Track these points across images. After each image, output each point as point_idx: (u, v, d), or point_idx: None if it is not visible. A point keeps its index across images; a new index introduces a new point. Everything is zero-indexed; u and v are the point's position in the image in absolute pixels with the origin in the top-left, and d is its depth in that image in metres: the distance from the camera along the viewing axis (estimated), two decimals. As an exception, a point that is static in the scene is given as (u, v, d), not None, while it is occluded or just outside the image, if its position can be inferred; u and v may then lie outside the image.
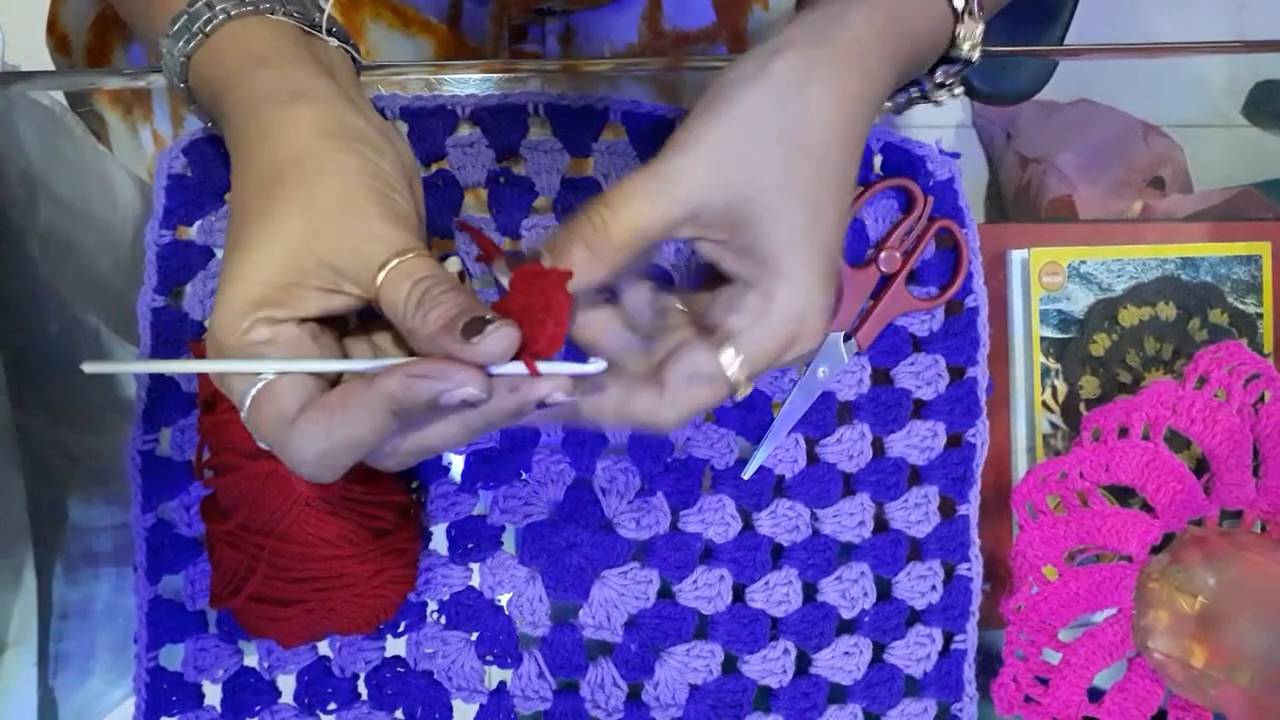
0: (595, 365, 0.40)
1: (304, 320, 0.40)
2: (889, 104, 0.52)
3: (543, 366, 0.38)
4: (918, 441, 0.60)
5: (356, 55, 0.50)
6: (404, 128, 0.58)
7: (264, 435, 0.39)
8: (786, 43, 0.43)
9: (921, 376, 0.60)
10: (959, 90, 0.50)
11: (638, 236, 0.42)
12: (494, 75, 0.60)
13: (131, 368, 0.40)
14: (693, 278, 0.47)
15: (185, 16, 0.45)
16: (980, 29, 0.47)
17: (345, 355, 0.42)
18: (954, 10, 0.46)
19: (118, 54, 0.76)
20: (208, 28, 0.45)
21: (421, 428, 0.40)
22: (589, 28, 0.73)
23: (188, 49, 0.45)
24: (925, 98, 0.51)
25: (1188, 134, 0.80)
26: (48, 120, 0.67)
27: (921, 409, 0.61)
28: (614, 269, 0.42)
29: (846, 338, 0.59)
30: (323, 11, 0.48)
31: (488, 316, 0.37)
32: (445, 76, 0.60)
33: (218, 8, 0.45)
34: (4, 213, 0.61)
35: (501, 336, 0.37)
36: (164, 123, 0.69)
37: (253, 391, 0.39)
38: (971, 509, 0.61)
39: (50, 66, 0.77)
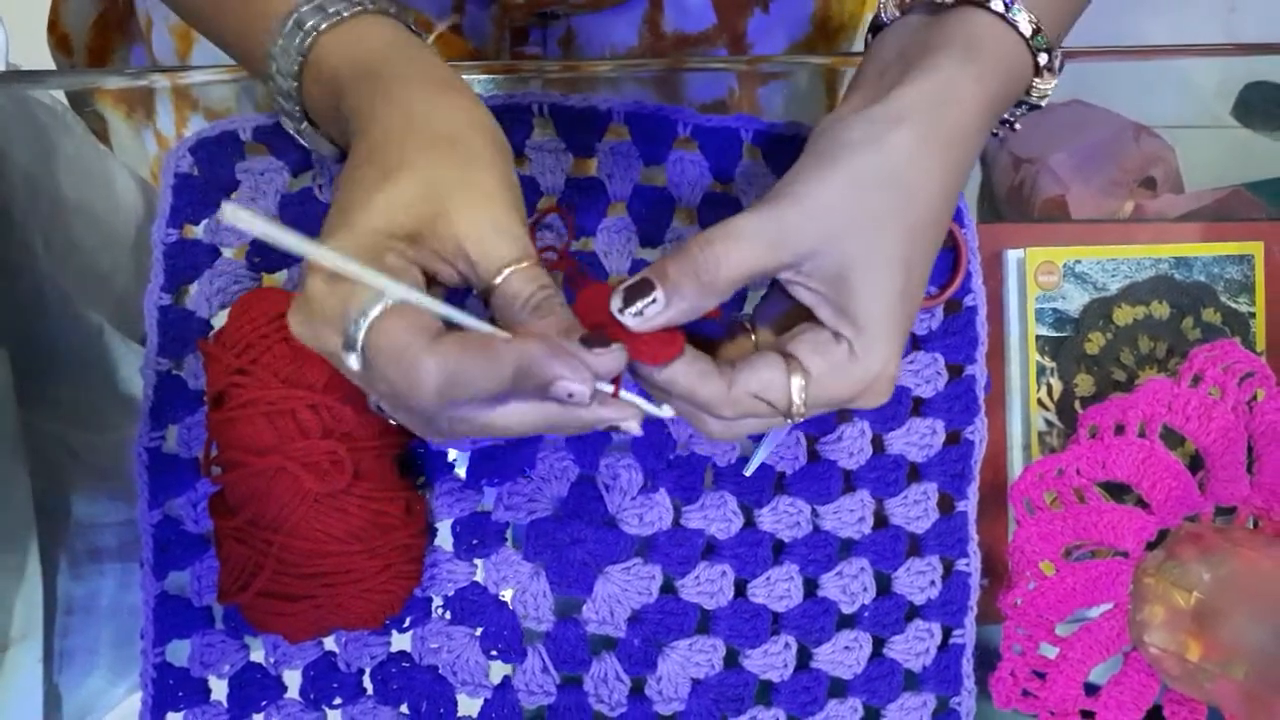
0: (666, 410, 0.44)
1: (425, 274, 0.42)
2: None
3: (623, 395, 0.41)
4: (917, 439, 0.61)
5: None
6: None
7: (381, 360, 0.39)
8: (906, 113, 0.44)
9: (921, 375, 0.61)
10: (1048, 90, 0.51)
11: (746, 276, 0.44)
12: (495, 77, 0.60)
13: (268, 228, 0.38)
14: (770, 305, 0.48)
15: (296, 15, 0.46)
16: (1055, 83, 0.48)
17: None
18: (1036, 65, 0.47)
19: (119, 54, 0.76)
20: (322, 25, 0.46)
21: (506, 403, 0.42)
22: (590, 31, 0.73)
23: (304, 46, 0.46)
24: (1021, 114, 0.52)
25: (1179, 135, 0.81)
26: (50, 120, 0.67)
27: (921, 406, 0.61)
28: (719, 301, 0.44)
29: None
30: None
31: (599, 334, 0.40)
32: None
33: (331, 9, 0.46)
34: (7, 211, 0.62)
35: (617, 356, 0.40)
36: (167, 123, 0.69)
37: (378, 308, 0.38)
38: (970, 505, 0.61)
39: (52, 66, 0.77)
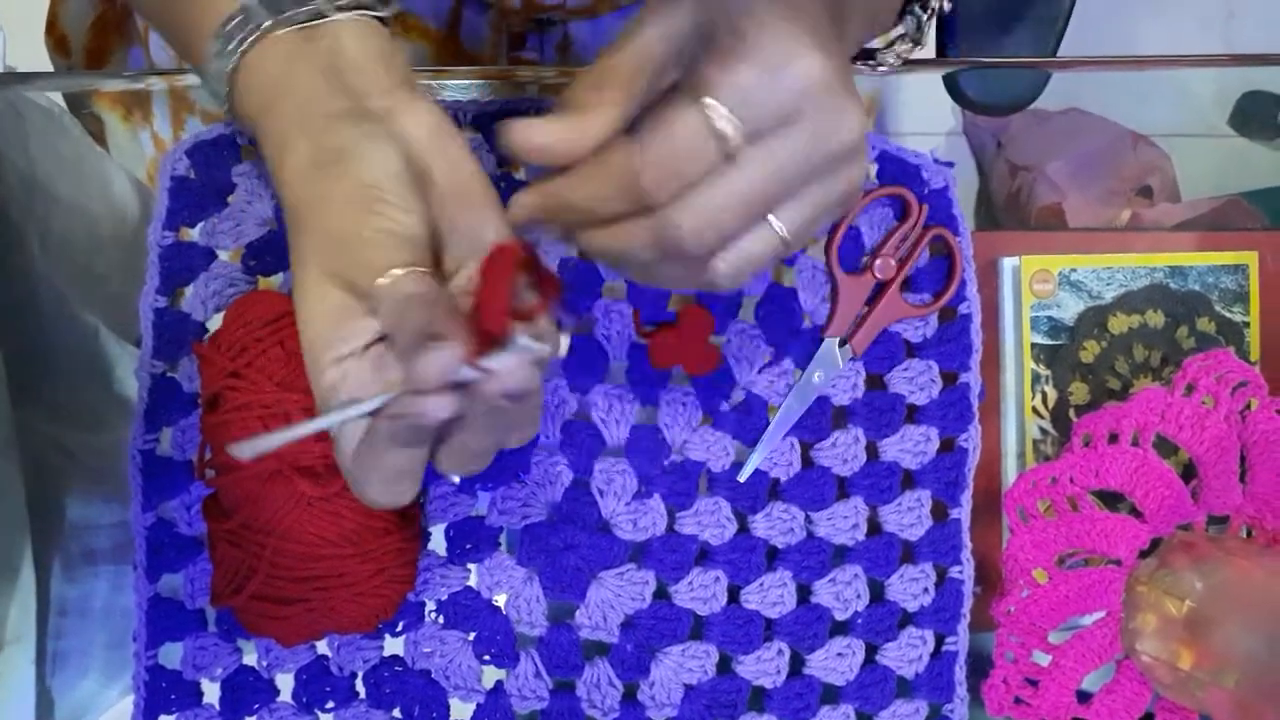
0: (559, 344, 0.39)
1: (369, 346, 0.41)
2: (880, 66, 0.51)
3: (489, 360, 0.37)
4: (911, 446, 0.61)
5: (381, 13, 0.47)
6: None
7: (348, 480, 0.42)
8: None
9: (915, 382, 0.61)
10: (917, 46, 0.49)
11: (641, 57, 0.39)
12: (491, 82, 0.61)
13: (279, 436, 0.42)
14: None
15: (220, 37, 0.45)
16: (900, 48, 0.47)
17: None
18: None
19: (117, 55, 0.76)
20: (243, 46, 0.45)
21: (448, 438, 0.41)
22: (587, 37, 0.73)
23: (227, 66, 0.46)
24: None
25: (1175, 143, 0.81)
26: (46, 121, 0.67)
27: (915, 414, 0.61)
28: (631, 98, 0.40)
29: (841, 343, 0.60)
30: None
31: (432, 333, 0.37)
32: (444, 83, 0.60)
33: (249, 26, 0.45)
34: (3, 213, 0.62)
35: (428, 360, 0.37)
36: (164, 125, 0.69)
37: (334, 438, 0.42)
38: (963, 513, 0.61)
39: (49, 68, 0.77)
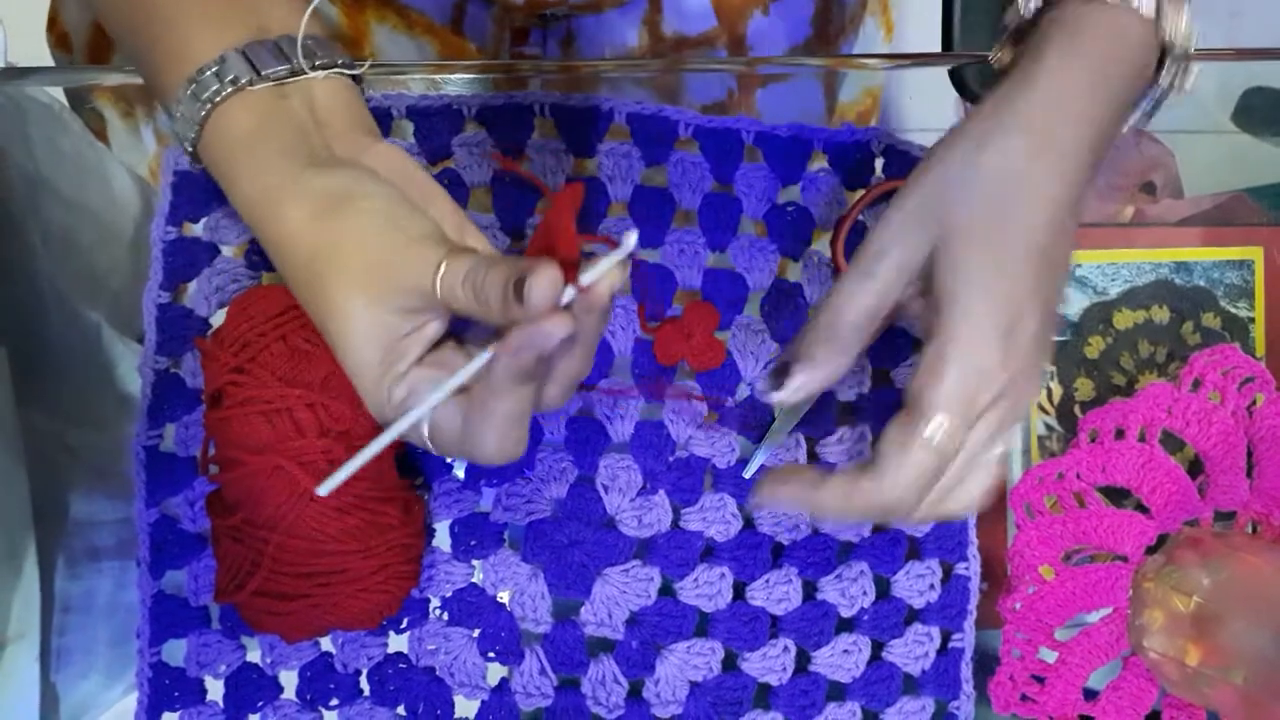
0: (626, 242, 0.40)
1: (422, 358, 0.44)
2: (1135, 118, 0.52)
3: (585, 278, 0.39)
4: (917, 442, 0.61)
5: (354, 71, 0.49)
6: (410, 127, 0.58)
7: (454, 456, 0.46)
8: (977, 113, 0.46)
9: (922, 377, 0.61)
10: (1193, 79, 0.50)
11: (863, 316, 0.47)
12: (494, 76, 0.60)
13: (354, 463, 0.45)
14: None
15: (196, 82, 0.45)
16: (1185, 12, 0.48)
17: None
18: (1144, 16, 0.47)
19: (118, 52, 0.76)
20: (217, 98, 0.45)
21: (556, 367, 0.43)
22: (590, 32, 0.73)
23: (199, 114, 0.46)
24: (1161, 101, 0.52)
25: (1178, 140, 0.81)
26: (48, 117, 0.67)
27: (921, 409, 0.61)
28: (852, 353, 0.48)
29: None
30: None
31: (520, 272, 0.38)
32: (447, 77, 0.60)
33: (226, 79, 0.45)
34: (4, 209, 0.62)
35: (541, 281, 0.38)
36: (166, 121, 0.69)
37: (425, 434, 0.44)
38: (970, 508, 0.61)
39: (51, 64, 0.77)
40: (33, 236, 0.63)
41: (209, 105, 0.45)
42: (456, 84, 0.60)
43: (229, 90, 0.45)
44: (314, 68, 0.46)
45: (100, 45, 0.75)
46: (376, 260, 0.42)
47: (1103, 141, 0.47)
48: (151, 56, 0.48)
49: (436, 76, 0.60)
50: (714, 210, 0.60)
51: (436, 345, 0.44)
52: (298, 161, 0.44)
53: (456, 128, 0.58)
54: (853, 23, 0.80)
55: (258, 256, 0.56)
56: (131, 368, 0.63)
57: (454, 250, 0.42)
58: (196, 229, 0.57)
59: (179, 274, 0.56)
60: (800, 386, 0.47)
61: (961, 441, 0.46)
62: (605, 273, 0.39)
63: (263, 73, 0.45)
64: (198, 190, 0.56)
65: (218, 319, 0.55)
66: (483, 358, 0.41)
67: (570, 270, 0.39)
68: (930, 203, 0.46)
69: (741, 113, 0.66)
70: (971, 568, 0.61)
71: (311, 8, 0.47)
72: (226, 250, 0.57)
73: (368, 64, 0.49)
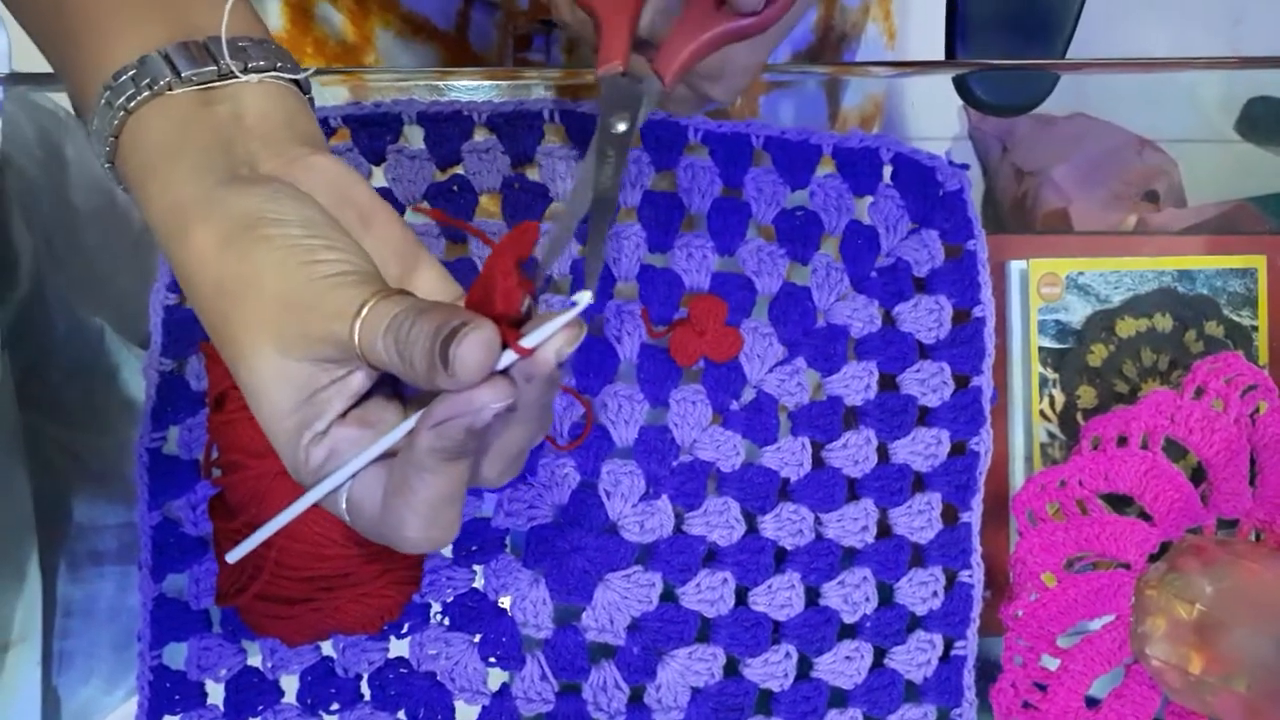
0: (579, 298, 0.34)
1: (347, 413, 0.37)
2: None
3: (528, 340, 0.34)
4: (922, 448, 0.61)
5: (294, 75, 0.42)
6: (420, 132, 0.58)
7: (372, 538, 0.38)
8: None
9: (927, 384, 0.61)
10: None
11: None
12: (499, 83, 0.61)
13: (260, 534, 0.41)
14: None
15: (110, 89, 0.39)
16: None
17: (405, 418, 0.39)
18: None
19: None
20: (132, 103, 0.39)
21: (493, 441, 0.38)
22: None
23: (112, 122, 0.40)
24: None
25: (1182, 148, 0.81)
26: (52, 123, 0.67)
27: (926, 416, 0.61)
28: None
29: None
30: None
31: (451, 327, 0.33)
32: (451, 83, 0.60)
33: (143, 82, 0.39)
34: (9, 213, 0.62)
35: (470, 345, 0.33)
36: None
37: (343, 507, 0.38)
38: (974, 517, 0.61)
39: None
40: (37, 241, 0.64)
41: (122, 112, 0.39)
42: (460, 90, 0.60)
43: (145, 95, 0.39)
44: (245, 70, 0.40)
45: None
46: (286, 302, 0.36)
47: None
48: (72, 66, 0.42)
49: (440, 83, 0.60)
50: (722, 215, 0.60)
51: (367, 396, 0.38)
52: (213, 176, 0.38)
53: (466, 134, 0.59)
54: (855, 29, 0.80)
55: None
56: (134, 372, 0.63)
57: (380, 293, 0.35)
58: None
59: (184, 277, 0.56)
60: None
61: None
62: (552, 335, 0.34)
63: (183, 75, 0.39)
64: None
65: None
66: (407, 424, 0.36)
67: (510, 330, 0.34)
68: None
69: (744, 119, 0.67)
70: (975, 575, 0.61)
71: (232, 2, 0.41)
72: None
73: (311, 70, 0.43)
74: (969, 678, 0.61)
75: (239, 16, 0.41)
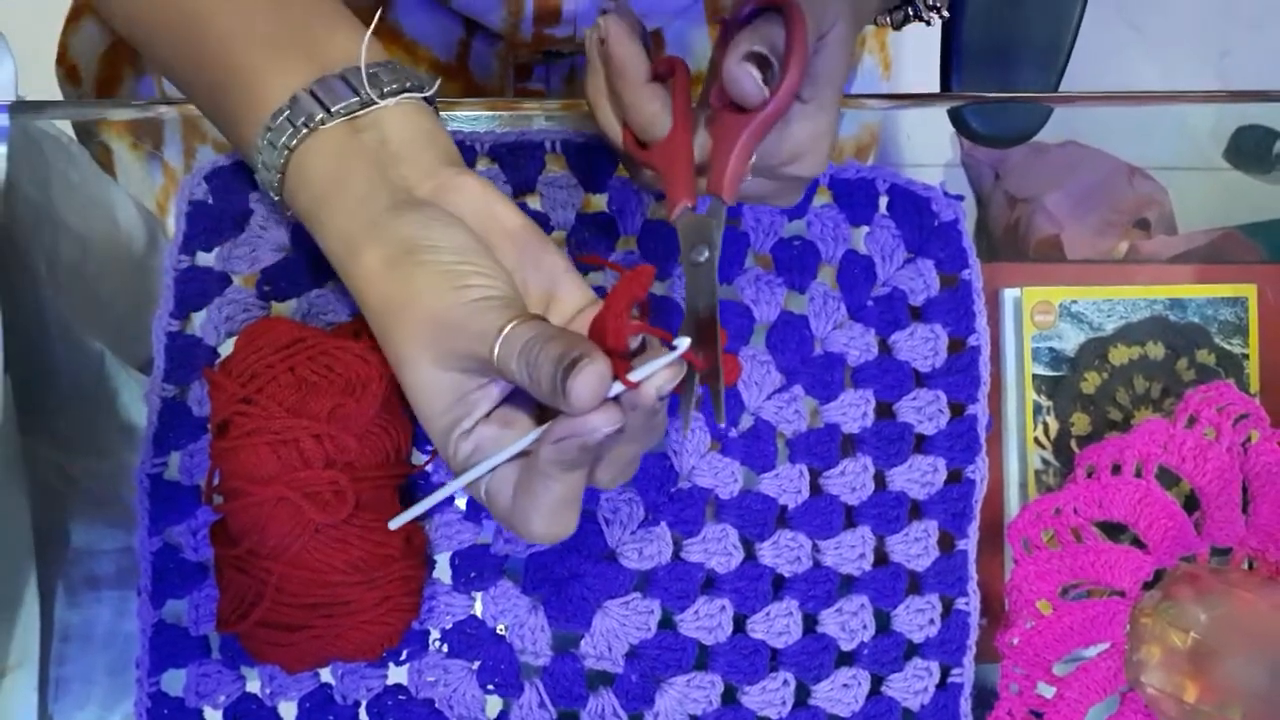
0: (680, 343, 0.40)
1: (491, 413, 0.44)
2: (886, 20, 0.56)
3: (635, 374, 0.39)
4: (919, 476, 0.61)
5: (424, 93, 0.48)
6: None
7: (503, 526, 0.47)
8: None
9: (923, 412, 0.61)
10: (945, 11, 0.55)
11: None
12: (500, 113, 0.61)
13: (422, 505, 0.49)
14: None
15: (271, 130, 0.46)
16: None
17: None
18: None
19: (127, 84, 0.76)
20: (294, 142, 0.46)
21: (606, 453, 0.43)
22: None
23: (278, 161, 0.46)
24: (918, 16, 0.56)
25: (1172, 177, 0.82)
26: (55, 149, 0.67)
27: (923, 444, 0.62)
28: None
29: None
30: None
31: (571, 358, 0.38)
32: (452, 114, 0.61)
33: (299, 120, 0.45)
34: (13, 239, 0.62)
35: (584, 378, 0.38)
36: (174, 154, 0.70)
37: (483, 495, 0.45)
38: (970, 544, 0.62)
39: (60, 98, 0.78)
40: (38, 265, 0.64)
41: (286, 151, 0.45)
42: (460, 120, 0.61)
43: (304, 132, 0.45)
44: (383, 95, 0.46)
45: (109, 79, 0.76)
46: (439, 321, 0.42)
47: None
48: (224, 110, 0.48)
49: (441, 114, 0.61)
50: (722, 244, 0.60)
51: (507, 400, 0.45)
52: (374, 204, 0.44)
53: (469, 163, 0.59)
54: (852, 60, 0.81)
55: (268, 287, 0.57)
56: (134, 397, 0.63)
57: (518, 318, 0.41)
58: (208, 258, 0.57)
59: (190, 303, 0.56)
60: None
61: None
62: (655, 372, 0.39)
63: (332, 109, 0.45)
64: (210, 220, 0.57)
65: (226, 348, 0.55)
66: (535, 433, 0.42)
67: (621, 363, 0.39)
68: None
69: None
70: (972, 603, 0.62)
71: (369, 35, 0.47)
72: (237, 280, 0.57)
73: (438, 82, 0.48)
74: (966, 705, 0.62)
75: (357, 44, 0.46)
